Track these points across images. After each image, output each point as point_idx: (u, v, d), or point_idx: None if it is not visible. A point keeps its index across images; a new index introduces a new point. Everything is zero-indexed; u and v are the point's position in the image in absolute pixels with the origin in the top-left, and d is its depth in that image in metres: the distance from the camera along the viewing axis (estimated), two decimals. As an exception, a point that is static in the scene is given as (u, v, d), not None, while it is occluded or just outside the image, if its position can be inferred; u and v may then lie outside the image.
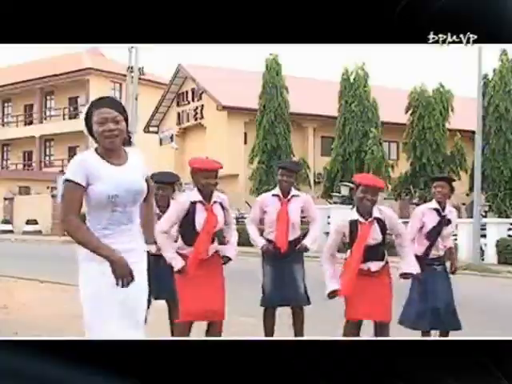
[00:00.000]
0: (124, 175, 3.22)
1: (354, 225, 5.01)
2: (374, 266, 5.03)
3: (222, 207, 5.11)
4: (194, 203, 4.99)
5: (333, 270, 5.13)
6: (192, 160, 5.17)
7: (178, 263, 5.00)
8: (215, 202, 5.05)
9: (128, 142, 3.35)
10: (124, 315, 3.19)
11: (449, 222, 5.86)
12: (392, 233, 5.15)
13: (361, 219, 4.98)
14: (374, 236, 4.99)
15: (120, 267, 3.09)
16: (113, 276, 3.09)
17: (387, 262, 5.15)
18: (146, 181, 3.38)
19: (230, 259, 5.23)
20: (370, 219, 4.98)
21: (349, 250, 5.09)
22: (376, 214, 5.02)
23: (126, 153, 3.32)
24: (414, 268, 5.54)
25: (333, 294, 5.08)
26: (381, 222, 5.02)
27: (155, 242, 3.47)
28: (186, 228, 5.01)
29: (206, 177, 4.97)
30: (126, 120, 3.28)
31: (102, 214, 3.21)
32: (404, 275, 5.16)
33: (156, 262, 5.46)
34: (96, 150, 3.26)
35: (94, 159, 3.23)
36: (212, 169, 5.01)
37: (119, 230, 3.24)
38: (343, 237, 5.08)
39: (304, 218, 6.02)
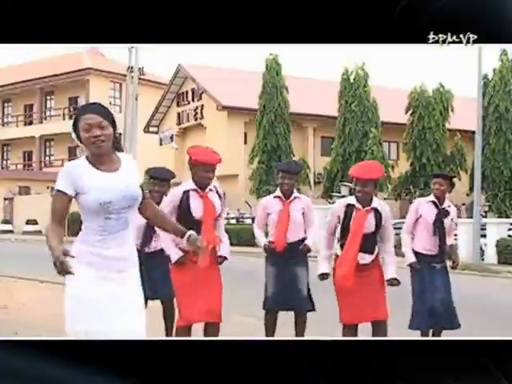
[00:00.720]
0: (117, 181, 3.20)
1: (350, 209, 5.00)
2: (363, 258, 5.00)
3: (218, 195, 5.07)
4: (187, 191, 4.93)
5: (328, 253, 5.18)
6: (192, 150, 5.03)
7: (175, 255, 4.95)
8: (210, 190, 4.99)
9: (119, 147, 3.34)
10: (111, 319, 3.18)
11: (447, 213, 5.86)
12: (381, 234, 5.11)
13: (358, 205, 4.98)
14: (369, 225, 4.97)
15: (58, 263, 3.05)
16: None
17: (377, 256, 5.12)
18: (141, 186, 3.37)
19: (225, 258, 5.16)
20: (367, 208, 4.98)
21: (339, 243, 5.09)
22: (375, 204, 5.01)
23: (118, 158, 3.30)
24: (411, 260, 5.58)
25: (324, 276, 5.12)
26: (378, 214, 5.00)
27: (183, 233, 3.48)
28: (183, 217, 4.88)
29: (205, 170, 4.90)
30: (114, 125, 3.25)
31: (96, 222, 3.22)
32: (391, 281, 5.09)
33: (151, 262, 5.46)
34: (87, 157, 3.25)
35: (83, 167, 3.21)
36: (211, 162, 4.94)
37: (113, 237, 3.23)
38: (338, 221, 5.07)
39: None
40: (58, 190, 3.18)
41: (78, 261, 3.23)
